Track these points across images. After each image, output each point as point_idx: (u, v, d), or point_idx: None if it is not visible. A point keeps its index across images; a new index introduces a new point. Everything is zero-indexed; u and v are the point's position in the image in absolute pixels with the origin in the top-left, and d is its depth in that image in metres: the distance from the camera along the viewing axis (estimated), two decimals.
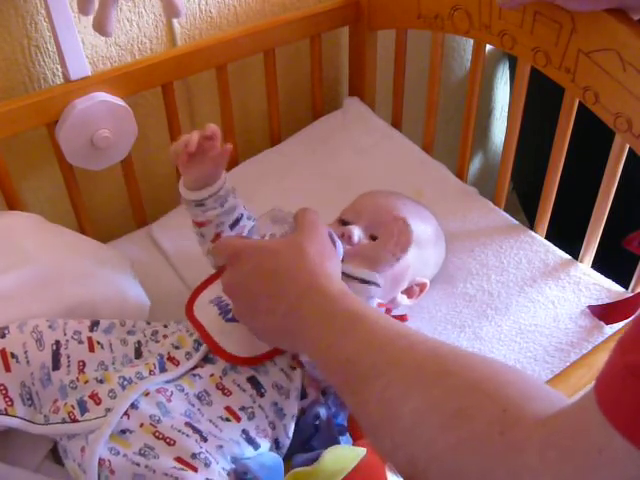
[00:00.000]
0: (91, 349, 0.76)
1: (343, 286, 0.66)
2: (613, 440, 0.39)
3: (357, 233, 0.86)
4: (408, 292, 0.90)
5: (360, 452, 0.68)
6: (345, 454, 0.68)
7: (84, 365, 0.74)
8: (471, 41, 1.08)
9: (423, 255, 0.90)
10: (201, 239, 0.85)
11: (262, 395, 0.73)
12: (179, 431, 0.67)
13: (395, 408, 0.51)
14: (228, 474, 0.67)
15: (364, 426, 0.55)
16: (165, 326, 0.81)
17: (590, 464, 0.40)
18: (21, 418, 0.71)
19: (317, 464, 0.66)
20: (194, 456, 0.65)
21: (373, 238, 0.87)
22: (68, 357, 0.74)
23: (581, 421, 0.42)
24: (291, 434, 0.74)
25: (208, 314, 0.79)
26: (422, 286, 0.91)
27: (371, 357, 0.55)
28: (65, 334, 0.75)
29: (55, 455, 0.75)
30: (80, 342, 0.76)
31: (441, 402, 0.49)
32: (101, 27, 0.84)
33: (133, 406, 0.69)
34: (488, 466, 0.44)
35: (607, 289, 0.93)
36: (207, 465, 0.65)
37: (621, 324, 0.88)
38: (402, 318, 0.90)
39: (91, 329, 0.78)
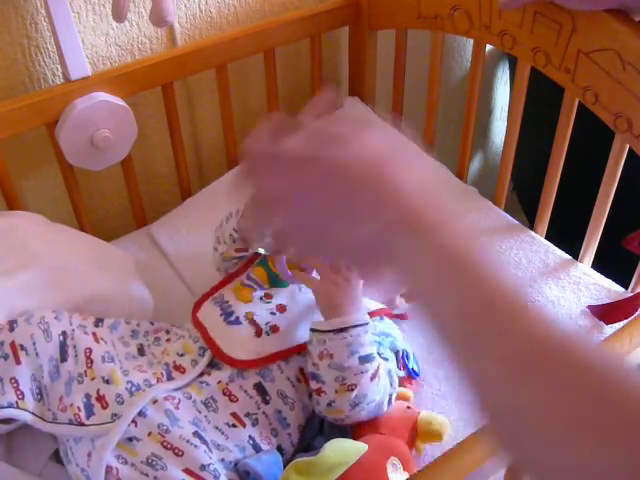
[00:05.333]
0: (96, 341, 0.75)
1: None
2: None
3: None
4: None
5: (362, 448, 0.68)
6: (346, 448, 0.68)
7: (91, 352, 0.73)
8: (471, 41, 1.08)
9: None
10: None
11: (267, 402, 0.73)
12: (187, 441, 0.67)
13: None
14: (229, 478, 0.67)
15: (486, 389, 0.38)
16: (167, 332, 0.81)
17: None
18: (31, 413, 0.70)
19: (318, 455, 0.66)
20: (203, 468, 0.65)
21: None
22: (75, 347, 0.74)
23: None
24: (296, 442, 0.74)
25: (211, 315, 0.79)
26: None
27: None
28: (71, 324, 0.75)
29: (58, 456, 0.74)
30: (85, 333, 0.75)
31: None
32: (160, 18, 0.84)
33: (141, 414, 0.68)
34: None
35: (607, 289, 0.93)
36: (216, 477, 0.65)
37: (621, 324, 0.88)
38: (403, 317, 0.90)
39: (96, 325, 0.78)
